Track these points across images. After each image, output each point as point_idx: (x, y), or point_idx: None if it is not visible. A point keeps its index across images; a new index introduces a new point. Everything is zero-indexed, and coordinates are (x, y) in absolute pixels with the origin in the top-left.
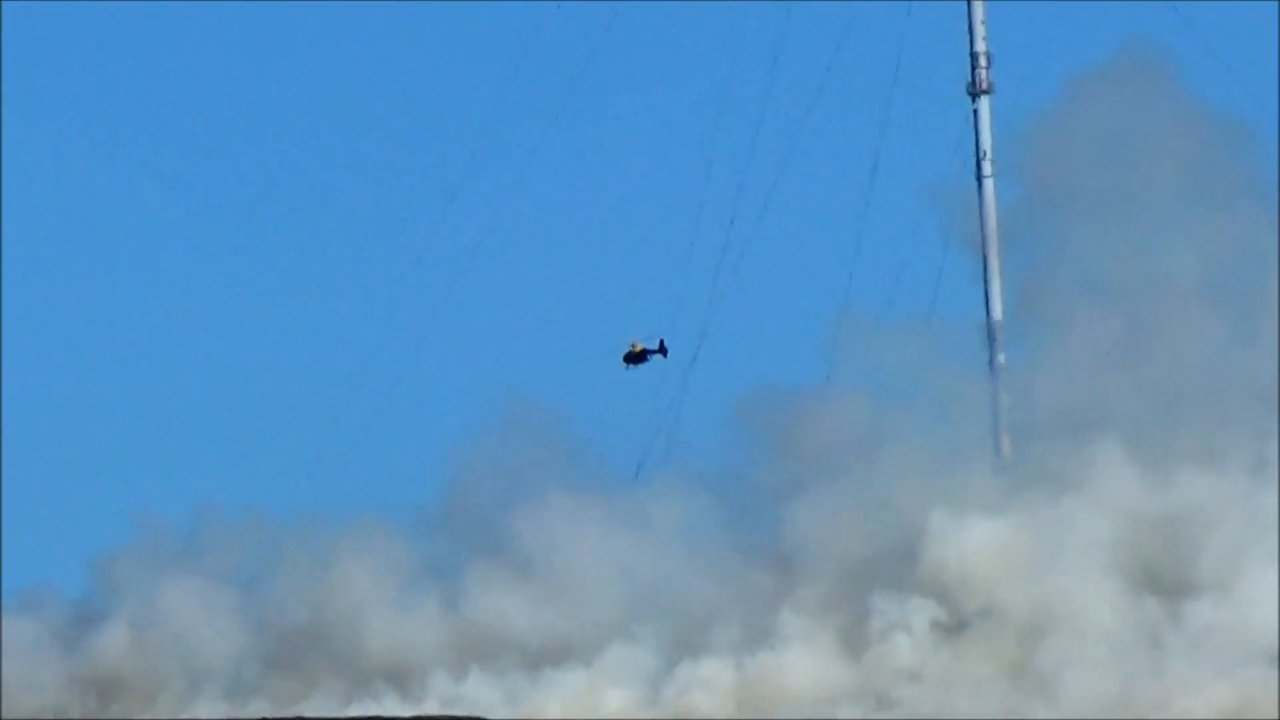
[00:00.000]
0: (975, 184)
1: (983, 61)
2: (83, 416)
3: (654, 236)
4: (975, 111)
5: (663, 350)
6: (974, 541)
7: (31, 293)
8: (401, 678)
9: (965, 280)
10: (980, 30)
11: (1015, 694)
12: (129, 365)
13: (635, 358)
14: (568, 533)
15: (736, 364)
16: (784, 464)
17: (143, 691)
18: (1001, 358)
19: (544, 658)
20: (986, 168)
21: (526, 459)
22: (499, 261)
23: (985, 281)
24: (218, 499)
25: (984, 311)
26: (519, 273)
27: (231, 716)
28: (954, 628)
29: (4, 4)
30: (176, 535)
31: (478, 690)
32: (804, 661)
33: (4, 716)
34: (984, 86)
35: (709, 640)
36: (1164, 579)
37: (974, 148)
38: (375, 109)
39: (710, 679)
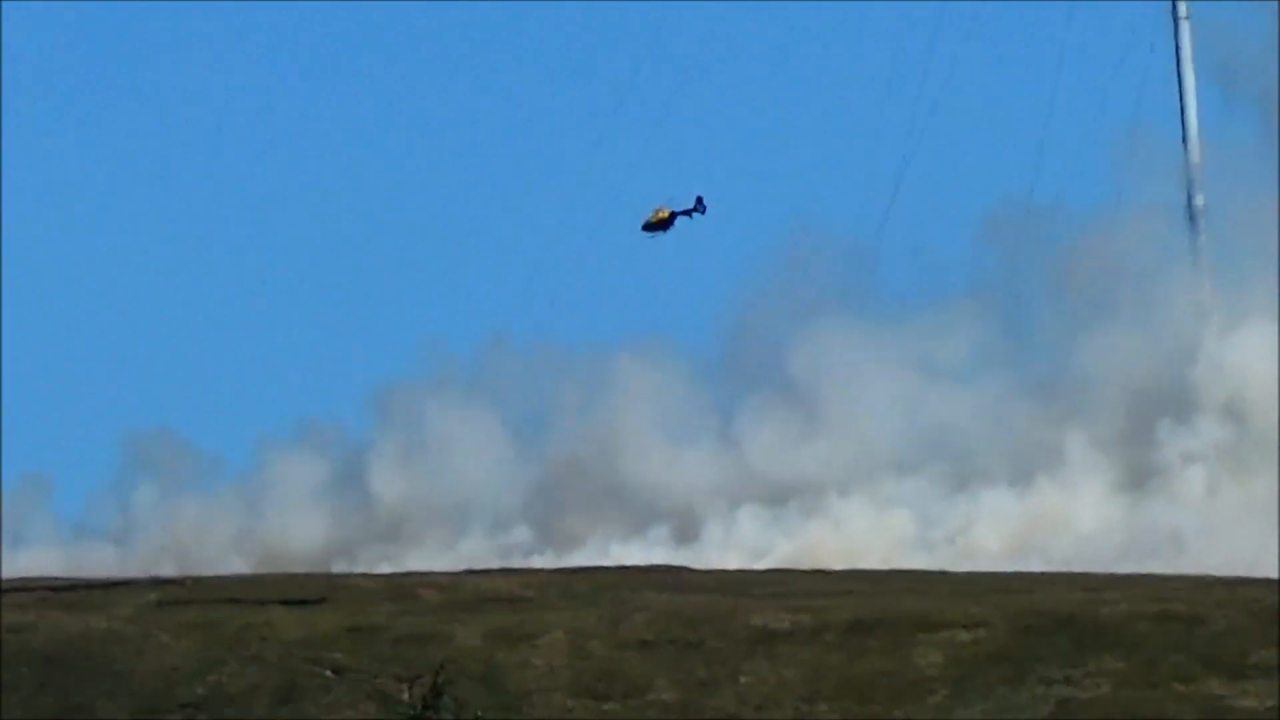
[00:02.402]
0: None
1: None
2: (375, 248)
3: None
4: None
5: (700, 207)
6: (1257, 365)
7: (329, 139)
8: (677, 514)
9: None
10: None
11: None
12: (420, 196)
13: (659, 225)
14: (848, 365)
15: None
16: (1064, 289)
17: (413, 528)
18: (1199, 199)
19: (821, 493)
20: (1183, 9)
21: (809, 289)
22: (772, 92)
23: (1184, 136)
24: (506, 330)
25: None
26: (790, 104)
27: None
28: (1236, 454)
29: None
30: (462, 366)
31: (753, 526)
32: (1087, 494)
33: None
34: None
35: (991, 473)
36: None
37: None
38: None
39: (992, 512)
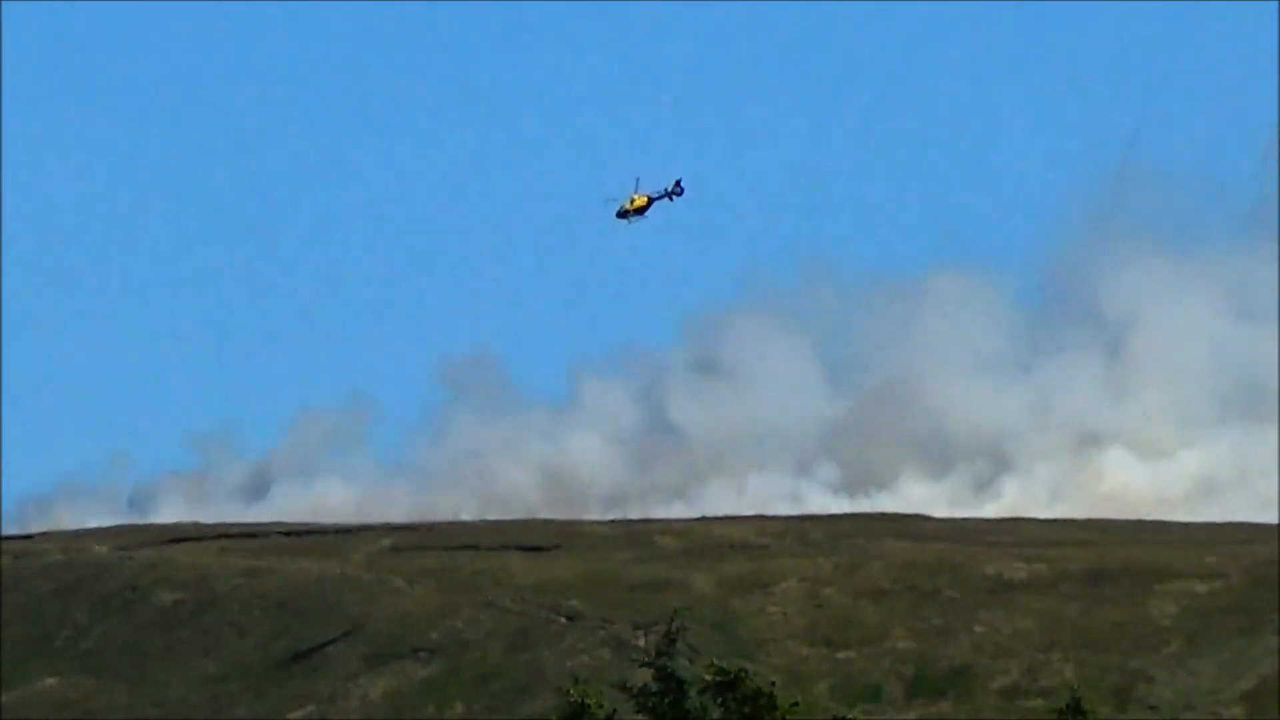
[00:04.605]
0: None
1: None
2: (696, 172)
3: None
4: None
5: (679, 189)
6: None
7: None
8: (981, 455)
9: None
10: None
11: None
12: (747, 117)
13: (635, 211)
14: (1160, 302)
15: None
16: None
17: (714, 461)
18: None
19: (1125, 437)
20: None
21: (1128, 218)
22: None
23: None
24: (825, 255)
25: None
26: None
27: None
28: None
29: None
30: (777, 292)
31: (1053, 470)
32: None
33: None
34: None
35: None
36: None
37: None
38: None
39: None
